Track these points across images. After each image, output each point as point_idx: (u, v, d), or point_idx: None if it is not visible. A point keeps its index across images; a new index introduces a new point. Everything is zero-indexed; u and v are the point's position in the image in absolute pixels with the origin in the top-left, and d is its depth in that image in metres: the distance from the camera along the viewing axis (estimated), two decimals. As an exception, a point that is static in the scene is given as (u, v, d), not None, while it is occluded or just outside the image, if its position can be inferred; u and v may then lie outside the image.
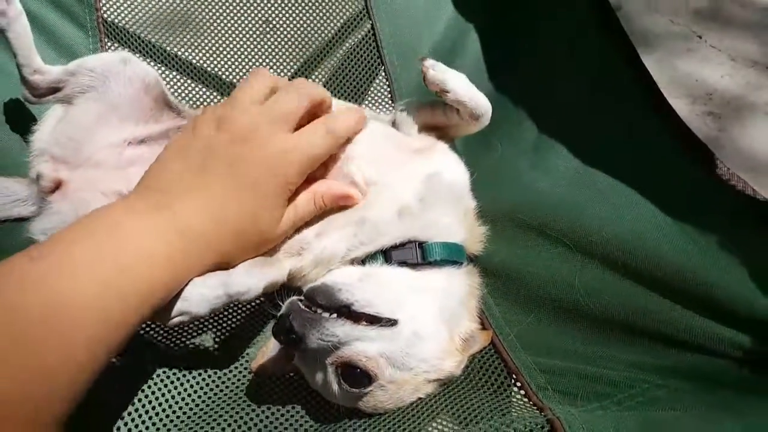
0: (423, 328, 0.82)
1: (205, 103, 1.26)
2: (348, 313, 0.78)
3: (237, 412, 0.83)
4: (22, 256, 0.64)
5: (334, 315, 0.77)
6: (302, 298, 0.79)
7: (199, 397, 0.86)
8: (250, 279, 0.81)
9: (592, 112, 1.00)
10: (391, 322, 0.79)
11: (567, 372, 0.82)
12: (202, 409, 0.84)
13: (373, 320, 0.78)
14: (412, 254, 0.88)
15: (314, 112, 0.86)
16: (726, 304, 0.75)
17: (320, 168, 0.86)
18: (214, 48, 1.29)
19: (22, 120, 1.06)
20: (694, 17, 2.63)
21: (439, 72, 0.91)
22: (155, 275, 0.70)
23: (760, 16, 2.61)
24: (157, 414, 0.83)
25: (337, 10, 1.34)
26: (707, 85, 2.34)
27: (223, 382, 0.89)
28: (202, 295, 0.77)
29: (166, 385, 0.86)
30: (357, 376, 0.78)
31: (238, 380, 0.90)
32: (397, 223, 0.88)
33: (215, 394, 0.87)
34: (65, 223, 0.90)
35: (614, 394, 0.76)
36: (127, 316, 0.67)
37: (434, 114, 0.98)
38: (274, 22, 1.32)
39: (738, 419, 0.69)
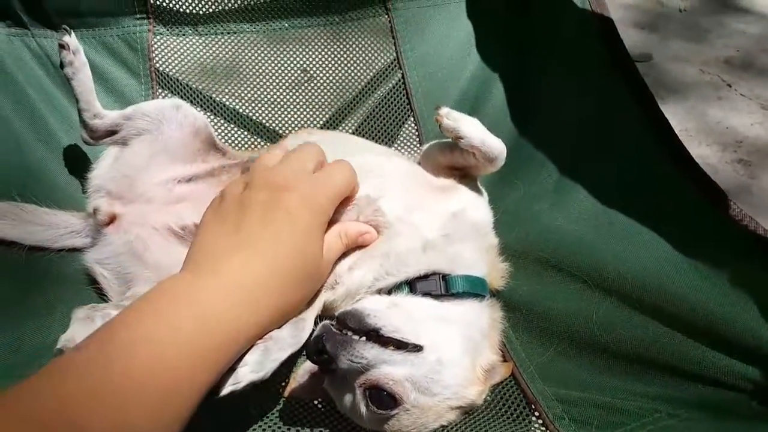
0: (446, 356, 0.85)
1: (247, 146, 1.35)
2: (377, 337, 0.82)
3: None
4: (107, 328, 0.69)
5: (364, 338, 0.81)
6: (334, 322, 0.83)
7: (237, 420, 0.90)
8: (307, 327, 0.85)
9: (610, 155, 1.05)
10: (417, 348, 0.83)
11: (583, 402, 0.85)
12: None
13: (400, 345, 0.82)
14: (436, 285, 0.92)
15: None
16: (736, 339, 0.78)
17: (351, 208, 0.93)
18: (255, 94, 1.39)
19: (78, 161, 1.16)
20: (724, 67, 2.67)
21: (452, 120, 0.96)
22: (220, 334, 0.72)
23: (791, 65, 2.63)
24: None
25: (371, 61, 1.43)
26: (737, 133, 2.36)
27: (261, 407, 0.93)
28: (276, 360, 0.80)
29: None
30: (383, 398, 0.81)
31: (275, 406, 0.93)
32: (421, 256, 0.93)
33: (253, 418, 0.91)
34: (118, 253, 0.99)
35: (627, 423, 0.78)
36: (201, 377, 0.69)
37: (453, 156, 1.03)
38: (311, 71, 1.41)
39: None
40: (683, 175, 0.94)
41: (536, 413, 0.87)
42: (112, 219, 1.02)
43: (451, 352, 0.86)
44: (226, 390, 0.75)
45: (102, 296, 1.02)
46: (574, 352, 0.92)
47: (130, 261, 1.00)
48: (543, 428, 0.85)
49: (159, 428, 0.64)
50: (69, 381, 0.61)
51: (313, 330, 0.85)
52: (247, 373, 0.76)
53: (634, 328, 0.87)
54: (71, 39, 1.10)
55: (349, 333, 0.82)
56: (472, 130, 0.97)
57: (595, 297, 0.92)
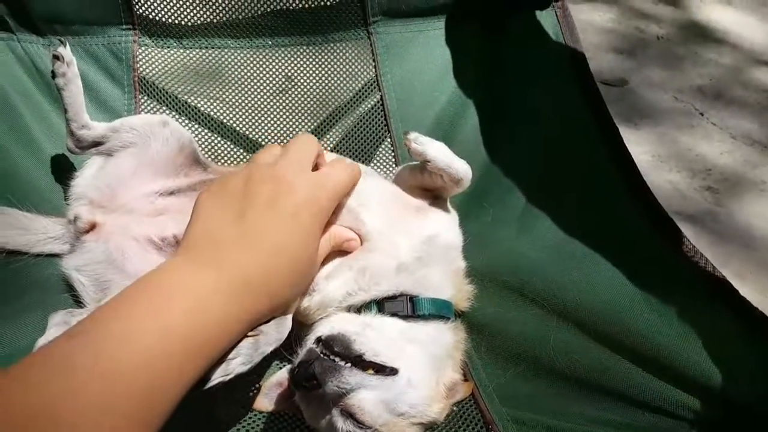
0: (416, 377, 0.89)
1: (228, 158, 1.38)
2: (360, 362, 0.85)
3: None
4: (67, 337, 0.63)
5: (349, 364, 0.85)
6: (316, 345, 0.86)
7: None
8: (287, 324, 0.85)
9: (574, 186, 1.11)
10: (393, 372, 0.87)
11: (536, 424, 0.88)
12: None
13: (379, 369, 0.86)
14: (403, 307, 0.96)
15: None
16: (680, 370, 0.83)
17: (334, 215, 0.93)
18: (237, 106, 1.41)
19: (61, 168, 1.18)
20: (697, 95, 2.74)
21: (419, 145, 1.01)
22: (213, 328, 0.70)
23: (761, 97, 2.72)
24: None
25: (351, 81, 1.46)
26: (707, 161, 2.43)
27: (227, 411, 0.96)
28: (263, 354, 0.80)
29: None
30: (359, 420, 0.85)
31: (243, 412, 0.96)
32: (394, 277, 0.97)
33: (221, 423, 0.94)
34: (96, 261, 1.01)
35: (575, 446, 0.83)
36: (191, 373, 0.67)
37: (423, 178, 1.07)
38: (295, 80, 1.45)
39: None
40: (642, 211, 0.99)
41: (492, 433, 0.92)
42: (92, 227, 1.04)
43: (420, 373, 0.91)
44: (214, 381, 0.74)
45: (78, 302, 1.04)
46: (531, 374, 0.96)
47: (108, 269, 1.02)
48: (497, 448, 0.89)
49: (140, 426, 0.61)
50: (53, 376, 0.58)
51: (295, 350, 0.88)
52: (238, 365, 0.76)
53: (587, 354, 0.91)
54: (65, 50, 1.12)
55: (336, 359, 0.84)
56: (439, 153, 1.01)
57: (553, 323, 0.97)
